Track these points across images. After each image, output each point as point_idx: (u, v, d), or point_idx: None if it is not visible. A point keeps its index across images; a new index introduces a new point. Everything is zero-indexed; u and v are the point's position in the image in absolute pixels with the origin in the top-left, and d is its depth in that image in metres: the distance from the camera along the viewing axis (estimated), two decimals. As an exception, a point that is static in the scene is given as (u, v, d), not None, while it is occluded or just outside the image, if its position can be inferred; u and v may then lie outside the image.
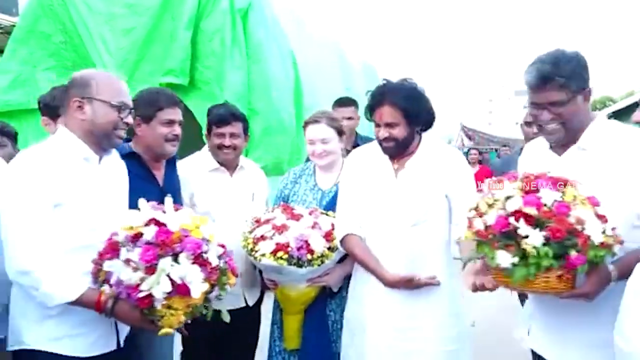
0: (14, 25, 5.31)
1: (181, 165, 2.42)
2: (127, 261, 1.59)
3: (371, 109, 2.08)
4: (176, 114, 2.16)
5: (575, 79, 1.63)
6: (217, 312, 2.36)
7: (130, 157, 2.09)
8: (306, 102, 5.56)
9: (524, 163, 1.93)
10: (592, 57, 1.96)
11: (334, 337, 2.26)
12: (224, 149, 2.40)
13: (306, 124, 2.42)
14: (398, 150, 2.07)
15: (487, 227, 1.52)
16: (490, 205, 1.56)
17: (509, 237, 1.48)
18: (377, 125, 2.06)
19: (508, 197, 1.53)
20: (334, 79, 6.43)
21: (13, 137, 2.71)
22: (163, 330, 1.63)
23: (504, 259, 1.47)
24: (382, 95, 2.03)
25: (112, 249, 1.64)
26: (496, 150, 16.69)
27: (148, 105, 2.11)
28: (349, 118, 3.42)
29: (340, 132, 2.39)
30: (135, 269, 1.57)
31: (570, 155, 1.72)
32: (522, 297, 2.90)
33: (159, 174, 2.21)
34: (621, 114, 14.74)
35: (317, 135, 2.35)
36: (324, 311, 2.28)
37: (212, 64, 4.37)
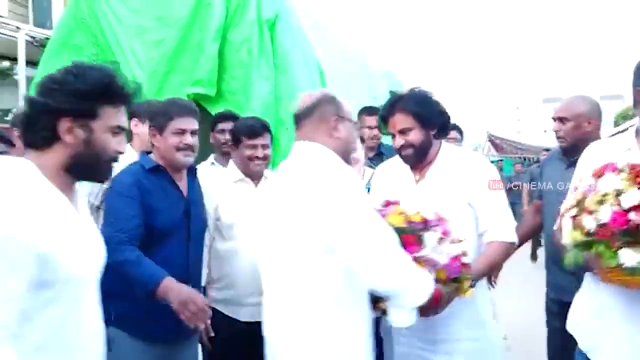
0: (48, 39, 5.47)
1: (203, 176, 2.45)
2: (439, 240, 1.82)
3: (385, 122, 2.11)
4: (188, 123, 2.16)
5: None
6: (245, 323, 2.37)
7: (154, 170, 2.11)
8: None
9: (589, 162, 1.82)
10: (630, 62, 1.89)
11: None
12: (256, 160, 2.41)
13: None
14: (417, 157, 2.07)
15: (602, 226, 1.43)
16: (600, 202, 1.46)
17: (629, 235, 1.40)
18: (393, 136, 2.08)
19: (619, 191, 1.44)
20: (360, 88, 6.42)
21: (11, 143, 2.67)
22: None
23: (630, 257, 1.38)
24: (392, 105, 2.09)
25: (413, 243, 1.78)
26: (525, 158, 16.39)
27: (160, 115, 2.14)
28: (376, 127, 3.44)
29: (362, 140, 2.39)
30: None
31: None
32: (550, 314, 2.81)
33: (182, 185, 2.23)
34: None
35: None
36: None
37: (239, 75, 4.40)
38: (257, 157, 2.40)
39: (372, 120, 3.45)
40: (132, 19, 4.63)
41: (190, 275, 2.11)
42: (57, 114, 1.37)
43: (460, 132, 4.78)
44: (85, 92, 1.38)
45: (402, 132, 2.04)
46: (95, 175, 1.50)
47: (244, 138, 2.43)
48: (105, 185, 2.31)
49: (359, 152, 2.37)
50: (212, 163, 3.55)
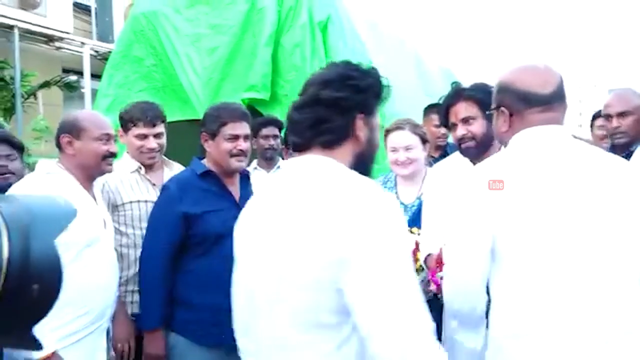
0: (110, 52, 5.70)
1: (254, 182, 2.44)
2: None
3: (446, 112, 1.98)
4: (241, 128, 2.15)
5: None
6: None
7: (205, 175, 2.12)
8: (386, 110, 5.47)
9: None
10: None
11: None
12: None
13: (388, 131, 2.36)
14: (479, 151, 1.92)
15: None
16: None
17: None
18: (454, 126, 1.95)
19: None
20: (414, 85, 6.27)
21: (21, 150, 2.66)
22: None
23: None
24: (456, 92, 1.95)
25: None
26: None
27: (212, 120, 2.14)
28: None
29: (424, 140, 2.28)
30: None
31: None
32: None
33: (235, 190, 2.23)
34: None
35: (401, 143, 2.26)
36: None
37: (293, 78, 4.41)
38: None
39: (437, 119, 3.34)
40: (188, 27, 4.75)
41: None
42: (355, 110, 1.33)
43: None
44: (376, 89, 1.37)
45: (465, 120, 1.90)
46: (368, 174, 1.38)
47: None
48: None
49: (419, 153, 2.27)
50: (255, 168, 3.57)
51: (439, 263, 1.76)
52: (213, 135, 2.12)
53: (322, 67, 1.46)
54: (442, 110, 2.03)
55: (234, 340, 2.03)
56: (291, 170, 1.33)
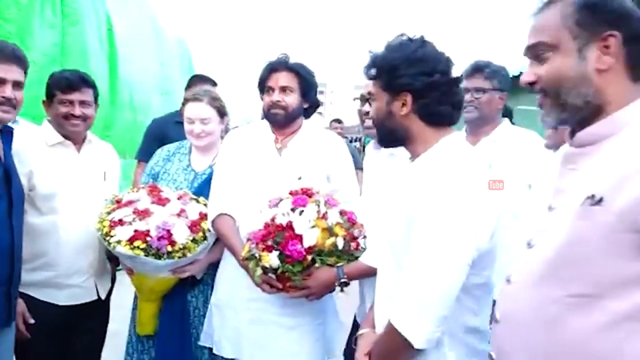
0: None
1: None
2: None
3: (265, 78, 2.05)
4: (5, 72, 1.75)
5: None
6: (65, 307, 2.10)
7: None
8: (121, 73, 5.12)
9: None
10: None
11: (196, 323, 2.18)
12: (72, 119, 2.09)
13: (186, 100, 2.28)
14: (285, 121, 2.06)
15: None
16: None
17: None
18: (271, 90, 2.03)
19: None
20: (150, 51, 6.02)
21: None
22: None
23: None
24: (282, 62, 2.05)
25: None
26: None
27: None
28: None
29: (222, 113, 2.30)
30: None
31: None
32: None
33: None
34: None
35: (198, 114, 2.22)
36: (184, 297, 2.18)
37: (15, 17, 3.69)
38: (73, 115, 2.07)
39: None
40: None
41: (15, 252, 1.74)
42: None
43: None
44: None
45: (284, 89, 1.98)
46: None
47: (57, 92, 2.07)
48: None
49: (215, 126, 2.27)
50: None
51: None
52: None
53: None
54: (261, 79, 2.05)
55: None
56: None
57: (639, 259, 0.89)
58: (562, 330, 0.97)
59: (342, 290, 1.85)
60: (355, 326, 2.05)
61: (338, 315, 2.18)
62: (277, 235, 1.73)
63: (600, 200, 0.93)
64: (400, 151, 1.55)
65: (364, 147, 8.21)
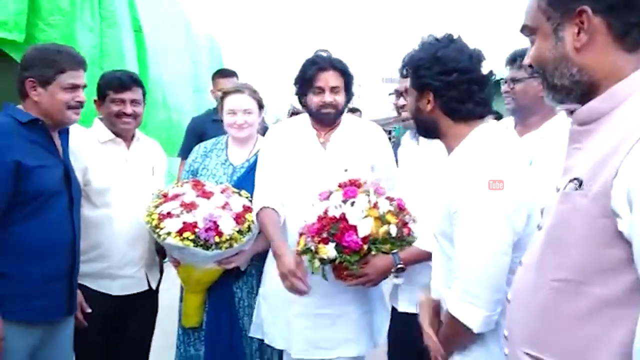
0: None
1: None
2: None
3: (313, 77, 2.05)
4: (81, 78, 1.89)
5: None
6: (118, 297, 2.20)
7: (30, 125, 1.80)
8: (152, 73, 5.25)
9: None
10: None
11: (241, 314, 2.25)
12: (124, 117, 2.20)
13: (226, 93, 2.35)
14: (335, 119, 2.12)
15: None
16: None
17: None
18: (320, 90, 2.06)
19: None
20: (181, 51, 6.15)
21: None
22: None
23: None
24: (329, 61, 2.08)
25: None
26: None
27: (46, 65, 1.83)
28: None
29: (261, 105, 2.36)
30: None
31: None
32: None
33: (58, 144, 1.94)
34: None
35: (240, 106, 2.27)
36: (230, 288, 2.24)
37: (58, 22, 3.83)
38: (124, 114, 2.18)
39: None
40: None
41: (76, 245, 1.86)
42: None
43: None
44: None
45: (334, 89, 2.02)
46: None
47: (110, 92, 2.18)
48: None
49: (255, 118, 2.33)
50: None
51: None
52: (45, 83, 1.77)
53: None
54: (305, 75, 2.06)
55: (51, 314, 1.78)
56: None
57: (615, 244, 0.87)
58: (553, 315, 0.96)
59: (397, 277, 1.90)
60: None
61: (386, 303, 2.21)
62: (332, 228, 1.78)
63: (581, 184, 0.92)
64: (437, 141, 1.60)
65: (391, 139, 8.22)
